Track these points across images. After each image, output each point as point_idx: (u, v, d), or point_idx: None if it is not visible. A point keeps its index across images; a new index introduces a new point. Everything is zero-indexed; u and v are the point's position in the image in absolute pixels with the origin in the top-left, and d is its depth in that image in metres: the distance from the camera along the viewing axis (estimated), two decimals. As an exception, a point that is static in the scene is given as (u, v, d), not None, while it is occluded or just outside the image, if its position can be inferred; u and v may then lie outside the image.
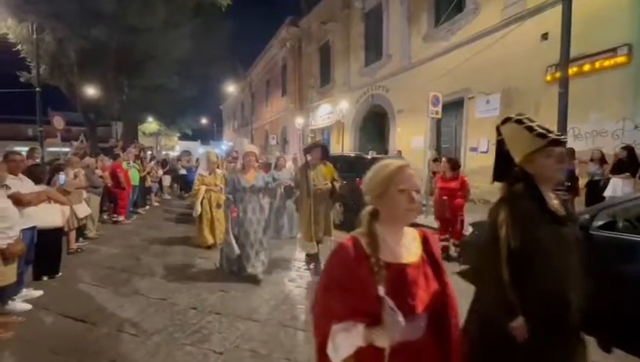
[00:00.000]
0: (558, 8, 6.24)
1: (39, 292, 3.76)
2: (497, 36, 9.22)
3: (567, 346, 1.43)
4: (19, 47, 14.79)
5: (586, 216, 2.78)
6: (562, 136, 1.48)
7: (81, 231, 5.85)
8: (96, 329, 3.07)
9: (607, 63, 7.03)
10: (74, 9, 12.98)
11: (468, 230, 4.38)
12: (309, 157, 4.57)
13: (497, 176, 1.68)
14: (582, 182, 6.48)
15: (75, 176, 5.45)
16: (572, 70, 6.46)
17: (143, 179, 9.29)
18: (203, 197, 5.63)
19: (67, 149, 11.54)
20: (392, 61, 13.91)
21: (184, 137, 35.38)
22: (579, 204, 6.05)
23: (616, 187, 5.89)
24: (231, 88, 26.72)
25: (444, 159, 5.79)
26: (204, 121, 37.42)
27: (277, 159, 6.83)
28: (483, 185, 8.04)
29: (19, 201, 3.27)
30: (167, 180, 12.95)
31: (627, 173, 5.86)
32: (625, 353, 2.35)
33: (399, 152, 11.95)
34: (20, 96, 16.97)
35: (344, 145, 16.32)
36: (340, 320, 1.03)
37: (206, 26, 17.53)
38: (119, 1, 13.42)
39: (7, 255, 3.03)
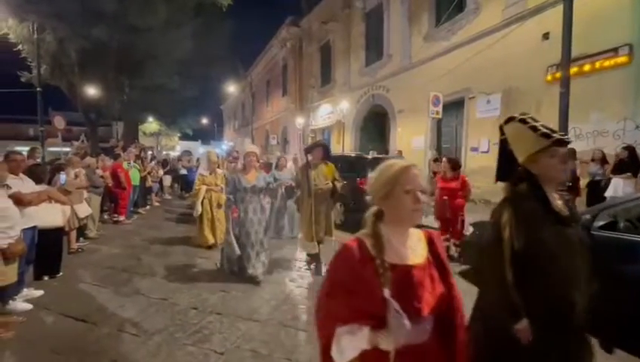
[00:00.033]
0: (559, 8, 6.23)
1: (40, 292, 3.76)
2: (498, 36, 9.22)
3: (572, 348, 1.41)
4: (20, 47, 14.81)
5: (587, 217, 2.77)
6: (566, 136, 1.46)
7: (81, 231, 5.85)
8: (97, 329, 3.07)
9: (608, 63, 7.03)
10: (75, 9, 13.00)
11: (468, 230, 4.37)
12: (310, 157, 4.56)
13: (500, 176, 1.66)
14: (583, 182, 6.46)
15: (76, 176, 5.45)
16: (573, 70, 6.46)
17: (143, 179, 9.30)
18: (204, 197, 5.63)
19: (68, 149, 11.56)
20: (392, 61, 13.90)
21: (185, 137, 35.42)
22: (580, 204, 6.03)
23: (618, 187, 5.88)
24: (231, 88, 26.75)
25: (444, 159, 5.78)
26: (204, 121, 37.47)
27: (278, 159, 6.83)
28: (484, 185, 8.04)
29: (20, 201, 3.27)
30: (167, 180, 12.96)
31: (628, 173, 5.85)
32: (626, 354, 2.34)
33: (400, 152, 11.95)
34: (21, 96, 17.02)
35: (345, 145, 16.32)
36: (345, 323, 1.02)
37: (207, 25, 17.54)
38: (120, 1, 13.43)
39: (8, 254, 3.03)
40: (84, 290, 3.99)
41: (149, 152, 12.29)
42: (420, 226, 1.18)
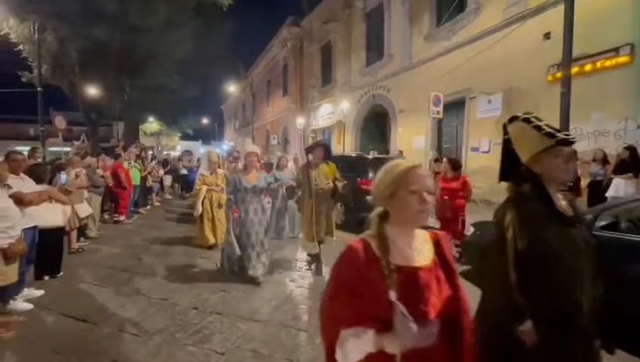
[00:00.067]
0: (560, 8, 6.23)
1: (40, 292, 3.76)
2: (499, 36, 9.21)
3: (578, 350, 1.39)
4: (20, 47, 14.82)
5: (589, 217, 2.77)
6: (571, 136, 1.44)
7: (82, 231, 5.85)
8: (97, 329, 3.07)
9: (609, 63, 7.01)
10: (76, 9, 13.00)
11: (469, 230, 4.37)
12: (310, 157, 4.55)
13: (503, 176, 1.64)
14: (584, 182, 6.45)
15: (77, 176, 5.45)
16: (574, 70, 6.45)
17: (144, 179, 9.30)
18: (204, 197, 5.63)
19: (68, 149, 11.56)
20: (393, 61, 13.90)
21: (185, 137, 35.45)
22: (581, 204, 6.02)
23: (619, 187, 5.86)
24: (232, 88, 26.78)
25: (445, 159, 5.78)
26: (205, 120, 37.51)
27: (279, 159, 6.82)
28: (484, 185, 8.03)
29: (20, 201, 3.27)
30: (168, 180, 12.97)
31: (630, 174, 5.83)
32: (628, 354, 2.33)
33: (400, 152, 11.94)
34: (22, 96, 17.02)
35: (345, 145, 16.32)
36: (349, 325, 1.00)
37: (207, 25, 17.55)
38: (121, 1, 13.44)
39: (9, 254, 3.03)
40: (85, 290, 3.99)
41: (150, 152, 12.31)
42: (424, 227, 1.16)
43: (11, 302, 3.36)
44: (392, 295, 0.96)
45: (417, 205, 1.04)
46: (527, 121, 1.50)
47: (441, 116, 9.80)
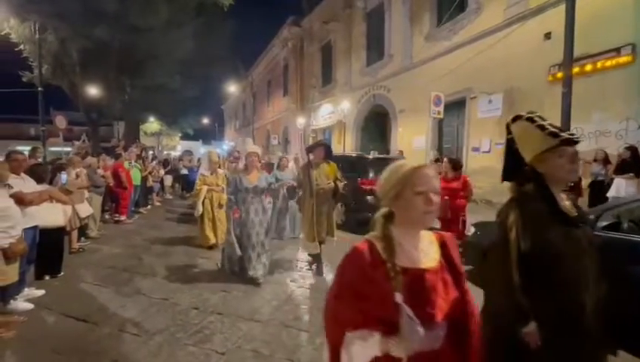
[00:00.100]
0: (561, 8, 6.22)
1: (41, 292, 3.76)
2: (500, 36, 9.20)
3: (583, 351, 1.38)
4: (21, 46, 14.83)
5: (591, 217, 2.76)
6: (575, 136, 1.43)
7: (82, 231, 5.85)
8: (98, 329, 3.06)
9: (610, 63, 7.01)
10: (76, 9, 13.00)
11: (470, 230, 4.36)
12: (311, 157, 4.54)
13: (506, 175, 1.62)
14: (585, 182, 6.45)
15: (77, 176, 5.45)
16: (575, 70, 6.44)
17: (144, 179, 9.30)
18: (205, 197, 5.63)
19: (69, 149, 11.57)
20: (393, 61, 13.90)
21: (186, 137, 35.45)
22: (582, 204, 6.01)
23: (620, 187, 5.86)
24: (232, 88, 26.79)
25: (445, 159, 5.77)
26: (205, 120, 37.49)
27: (280, 159, 6.82)
28: (485, 185, 8.02)
29: (21, 201, 3.26)
30: (168, 180, 12.99)
31: (631, 174, 5.83)
32: (631, 356, 2.32)
33: (401, 152, 11.94)
34: (23, 96, 17.04)
35: (345, 145, 16.32)
36: (355, 328, 0.99)
37: (208, 25, 17.55)
38: (122, 1, 13.44)
39: (10, 254, 3.02)
40: (86, 290, 3.99)
41: (150, 152, 12.32)
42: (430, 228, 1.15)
43: (12, 301, 3.35)
44: (399, 297, 0.95)
45: (423, 206, 1.01)
46: (530, 120, 1.48)
47: (442, 116, 9.79)
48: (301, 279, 4.41)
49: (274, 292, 3.91)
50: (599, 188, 6.25)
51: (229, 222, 4.27)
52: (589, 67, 7.28)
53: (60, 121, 12.21)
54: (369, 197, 6.55)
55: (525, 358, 1.37)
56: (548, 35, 7.98)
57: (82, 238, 5.81)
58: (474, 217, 5.09)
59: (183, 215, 8.70)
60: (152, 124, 27.27)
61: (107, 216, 7.96)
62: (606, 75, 7.09)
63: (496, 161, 8.47)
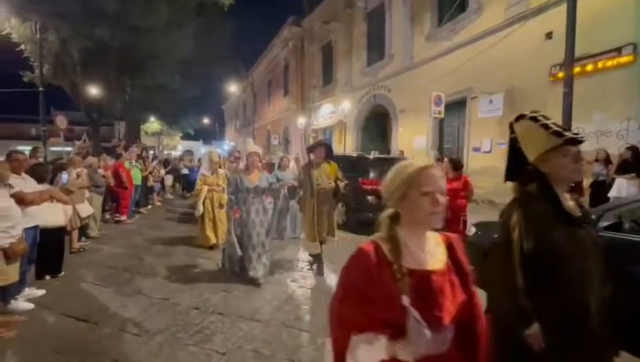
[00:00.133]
0: (562, 7, 6.21)
1: (42, 292, 3.76)
2: (501, 36, 9.20)
3: (587, 353, 1.36)
4: (22, 46, 14.83)
5: (592, 217, 2.75)
6: (579, 135, 1.41)
7: (83, 231, 5.85)
8: (98, 329, 3.06)
9: (611, 63, 7.00)
10: (77, 9, 13.02)
11: (471, 230, 4.35)
12: (312, 156, 4.53)
13: (509, 175, 1.60)
14: (586, 182, 6.44)
15: (78, 176, 5.45)
16: (576, 70, 6.44)
17: (145, 179, 9.30)
18: (205, 197, 5.63)
19: (70, 149, 11.58)
20: (394, 61, 13.89)
21: (186, 137, 35.45)
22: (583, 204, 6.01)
23: (621, 187, 5.85)
24: (233, 88, 26.81)
25: (446, 159, 5.76)
26: (206, 120, 37.51)
27: (280, 159, 6.82)
28: (486, 185, 8.01)
29: (21, 200, 3.26)
30: (169, 180, 13.00)
31: (632, 174, 5.82)
32: (631, 356, 2.32)
33: (401, 152, 11.93)
34: (23, 96, 17.08)
35: (346, 145, 16.32)
36: (360, 331, 0.97)
37: (208, 25, 17.56)
38: (122, 1, 13.45)
39: (10, 254, 3.02)
40: (86, 290, 3.99)
41: (151, 152, 12.32)
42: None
43: (12, 301, 3.35)
44: (405, 300, 0.93)
45: (430, 207, 1.00)
46: (534, 119, 1.46)
47: (442, 116, 9.79)
48: (302, 279, 4.40)
49: (275, 293, 3.91)
50: (600, 189, 6.24)
51: (230, 222, 4.26)
52: (589, 67, 7.27)
53: (61, 121, 12.23)
54: (370, 197, 6.54)
55: (529, 360, 1.35)
56: (549, 35, 7.97)
57: (83, 238, 5.81)
58: (475, 217, 5.08)
59: (184, 215, 8.70)
60: (153, 123, 27.28)
61: (108, 216, 7.96)
62: (607, 75, 7.08)
63: (496, 161, 8.47)
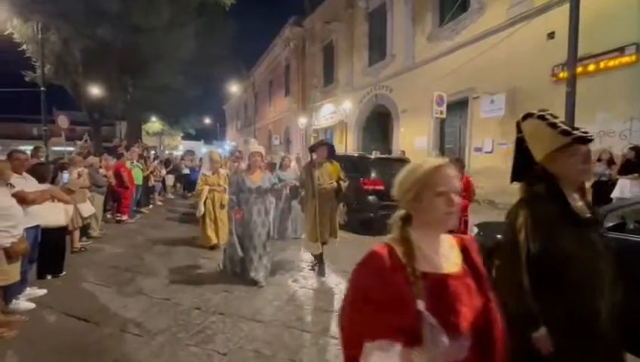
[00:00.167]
0: (565, 7, 6.19)
1: (43, 291, 3.76)
2: (503, 35, 9.17)
3: (598, 357, 1.33)
4: (24, 46, 14.85)
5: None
6: (588, 134, 1.37)
7: (84, 231, 5.86)
8: (99, 329, 3.06)
9: (613, 63, 6.97)
10: (79, 9, 13.04)
11: (472, 231, 4.33)
12: (314, 156, 4.51)
13: (516, 175, 1.56)
14: (589, 183, 6.41)
15: (79, 175, 5.45)
16: (578, 70, 6.41)
17: (146, 179, 9.31)
18: (206, 197, 5.62)
19: (71, 148, 11.62)
20: (395, 61, 13.87)
21: (187, 137, 35.48)
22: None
23: (624, 188, 5.82)
24: (234, 88, 26.82)
25: (447, 159, 5.74)
26: (207, 120, 37.58)
27: (282, 159, 6.81)
28: (488, 185, 7.98)
29: (23, 200, 3.26)
30: (170, 180, 13.02)
31: (635, 174, 5.78)
32: (637, 358, 2.30)
33: (403, 152, 11.91)
34: (25, 96, 17.14)
35: (347, 145, 16.30)
36: (373, 337, 0.91)
37: (210, 25, 17.56)
38: (124, 1, 13.47)
39: (11, 253, 3.02)
40: (87, 290, 3.99)
41: (152, 152, 12.33)
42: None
43: (14, 301, 3.35)
44: (421, 304, 0.89)
45: (445, 207, 0.96)
46: (542, 118, 1.42)
47: (444, 116, 9.77)
48: (303, 279, 4.39)
49: (276, 293, 3.90)
50: (603, 189, 6.21)
51: (231, 223, 4.25)
52: (592, 67, 7.24)
53: (63, 121, 12.25)
54: (371, 198, 6.53)
55: None
56: (551, 35, 7.94)
57: (84, 238, 5.82)
58: (476, 217, 5.07)
59: (185, 215, 8.70)
60: (154, 123, 27.31)
61: (109, 216, 7.97)
62: (610, 75, 7.05)
63: (498, 161, 8.45)
